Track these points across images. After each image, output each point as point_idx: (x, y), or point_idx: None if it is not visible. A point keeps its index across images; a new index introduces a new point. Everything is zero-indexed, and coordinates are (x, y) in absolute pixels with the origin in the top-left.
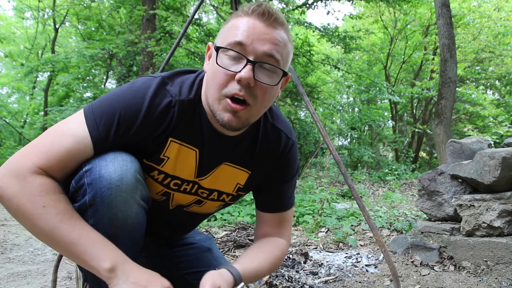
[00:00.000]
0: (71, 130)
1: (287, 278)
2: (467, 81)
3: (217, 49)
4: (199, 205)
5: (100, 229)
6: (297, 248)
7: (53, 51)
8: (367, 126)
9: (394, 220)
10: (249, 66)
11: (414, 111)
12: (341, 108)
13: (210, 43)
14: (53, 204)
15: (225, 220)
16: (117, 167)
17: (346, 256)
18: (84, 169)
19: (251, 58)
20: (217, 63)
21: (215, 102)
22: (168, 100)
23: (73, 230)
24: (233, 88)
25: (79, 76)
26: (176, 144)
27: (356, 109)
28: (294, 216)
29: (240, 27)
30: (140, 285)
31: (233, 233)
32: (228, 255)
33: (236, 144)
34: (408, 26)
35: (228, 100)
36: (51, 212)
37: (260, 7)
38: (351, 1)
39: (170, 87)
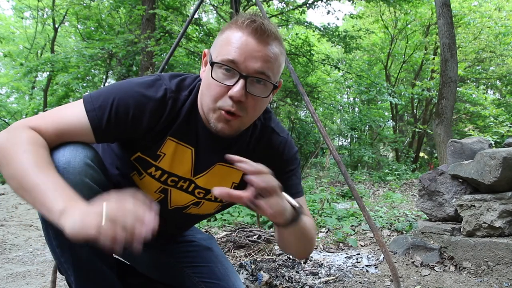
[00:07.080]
0: (71, 111)
1: (287, 278)
2: (468, 81)
3: (212, 64)
4: (197, 206)
5: None
6: None
7: (52, 51)
8: (367, 126)
9: (395, 220)
10: (241, 81)
11: (415, 111)
12: (341, 108)
13: (206, 50)
14: (33, 152)
15: (225, 220)
16: (65, 152)
17: (347, 257)
18: None
19: (243, 74)
20: (212, 77)
21: (209, 112)
22: (163, 93)
23: (40, 174)
24: (227, 103)
25: (79, 76)
26: (173, 143)
27: (357, 109)
28: None
29: (234, 43)
30: (78, 220)
31: (233, 234)
32: (228, 255)
33: (229, 144)
34: (409, 25)
35: (223, 112)
36: (29, 157)
37: (254, 23)
38: (351, 1)
39: (166, 82)
